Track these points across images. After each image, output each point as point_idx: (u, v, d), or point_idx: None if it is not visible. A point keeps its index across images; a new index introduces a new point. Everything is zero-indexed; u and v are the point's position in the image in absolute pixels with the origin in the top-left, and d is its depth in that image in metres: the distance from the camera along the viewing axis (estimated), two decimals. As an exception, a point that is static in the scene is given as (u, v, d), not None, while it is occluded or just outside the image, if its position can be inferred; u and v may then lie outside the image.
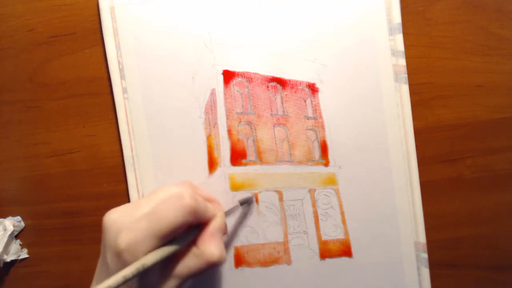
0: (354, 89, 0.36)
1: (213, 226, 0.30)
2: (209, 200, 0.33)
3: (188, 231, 0.29)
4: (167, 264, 0.28)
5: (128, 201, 0.37)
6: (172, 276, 0.28)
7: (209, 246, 0.29)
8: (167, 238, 0.27)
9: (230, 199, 0.35)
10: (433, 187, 0.36)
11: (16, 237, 0.38)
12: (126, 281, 0.25)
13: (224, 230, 0.31)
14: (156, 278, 0.28)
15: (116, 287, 0.24)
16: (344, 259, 0.36)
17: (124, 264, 0.26)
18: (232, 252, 0.36)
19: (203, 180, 0.36)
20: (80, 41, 0.37)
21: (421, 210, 0.36)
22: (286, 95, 0.36)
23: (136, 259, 0.26)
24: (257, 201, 0.36)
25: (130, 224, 0.27)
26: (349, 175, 0.36)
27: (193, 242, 0.29)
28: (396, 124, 0.36)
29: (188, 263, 0.28)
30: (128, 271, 0.25)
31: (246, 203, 0.35)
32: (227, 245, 0.36)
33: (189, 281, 0.30)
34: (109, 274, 0.27)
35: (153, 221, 0.27)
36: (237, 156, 0.36)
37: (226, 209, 0.33)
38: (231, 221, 0.36)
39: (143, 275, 0.27)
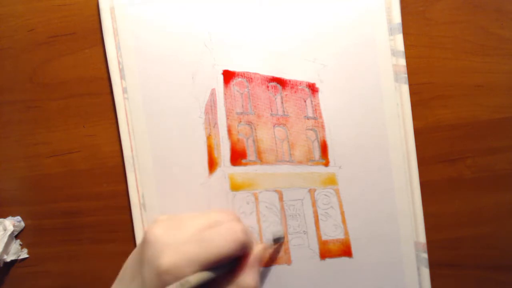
0: (354, 89, 0.36)
1: (254, 258, 0.30)
2: (251, 235, 0.33)
3: (230, 261, 0.29)
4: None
5: (128, 201, 0.37)
6: None
7: (248, 276, 0.29)
8: (211, 267, 0.27)
9: (230, 199, 0.35)
10: (433, 187, 0.36)
11: (16, 237, 0.38)
12: None
13: (262, 261, 0.31)
14: None
15: None
16: (344, 259, 0.36)
17: (163, 284, 0.26)
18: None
19: (203, 180, 0.36)
20: (80, 41, 0.37)
21: (421, 210, 0.36)
22: (286, 95, 0.36)
23: (176, 281, 0.26)
24: (257, 200, 0.36)
25: (177, 245, 0.27)
26: (349, 175, 0.36)
27: (231, 270, 0.30)
28: (396, 124, 0.36)
29: None
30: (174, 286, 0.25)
31: (277, 240, 0.35)
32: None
33: None
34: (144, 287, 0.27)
35: (203, 248, 0.27)
36: (237, 156, 0.36)
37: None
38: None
39: None
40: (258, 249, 0.31)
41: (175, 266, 0.26)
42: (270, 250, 0.36)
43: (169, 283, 0.26)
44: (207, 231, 0.28)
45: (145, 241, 0.28)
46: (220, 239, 0.27)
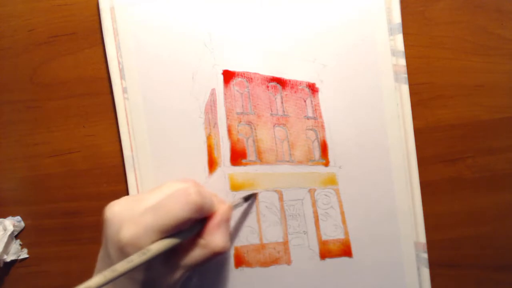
0: (354, 89, 0.36)
1: (218, 217, 0.30)
2: (214, 195, 0.33)
3: (193, 225, 0.29)
4: (170, 257, 0.29)
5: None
6: (178, 267, 0.29)
7: (215, 236, 0.29)
8: (171, 233, 0.27)
9: (230, 199, 0.35)
10: (433, 187, 0.36)
11: (16, 237, 0.38)
12: (133, 267, 0.25)
13: (229, 221, 0.31)
14: (161, 270, 0.28)
15: (125, 273, 0.24)
16: (344, 259, 0.36)
17: (127, 257, 0.26)
18: (232, 252, 0.36)
19: (203, 180, 0.36)
20: (80, 41, 0.37)
21: (421, 210, 0.36)
22: (286, 95, 0.36)
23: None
24: (257, 200, 0.36)
25: (134, 218, 0.27)
26: (349, 175, 0.36)
27: (198, 234, 0.30)
28: (396, 124, 0.35)
29: (193, 254, 0.29)
30: (125, 266, 0.25)
31: (250, 199, 0.35)
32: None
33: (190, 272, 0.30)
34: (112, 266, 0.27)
35: (158, 215, 0.27)
36: (237, 156, 0.36)
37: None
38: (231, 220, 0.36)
39: (147, 268, 0.27)
40: (222, 209, 0.31)
41: (135, 237, 0.26)
42: (241, 208, 0.35)
43: (131, 255, 0.26)
44: (163, 199, 0.28)
45: (105, 220, 0.28)
46: (173, 203, 0.27)
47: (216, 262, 0.36)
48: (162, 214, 0.27)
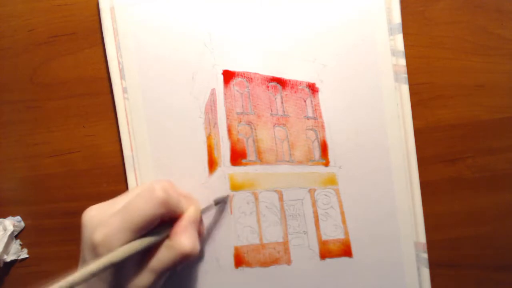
0: (354, 89, 0.36)
1: (185, 218, 0.30)
2: (184, 196, 0.33)
3: (163, 226, 0.29)
4: (141, 260, 0.29)
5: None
6: (146, 270, 0.28)
7: (181, 237, 0.29)
8: (141, 231, 0.27)
9: (230, 199, 0.35)
10: (433, 187, 0.36)
11: (16, 237, 0.38)
12: (93, 276, 0.25)
13: (197, 223, 0.31)
14: (132, 272, 0.28)
15: (80, 282, 0.25)
16: (344, 259, 0.36)
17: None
18: (232, 252, 0.36)
19: (203, 180, 0.36)
20: (80, 41, 0.37)
21: (421, 210, 0.36)
22: (286, 95, 0.36)
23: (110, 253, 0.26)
24: (257, 200, 0.36)
25: (105, 220, 0.27)
26: (349, 175, 0.36)
27: (168, 237, 0.30)
28: (396, 124, 0.35)
29: (161, 256, 0.29)
30: (94, 267, 0.25)
31: (221, 203, 0.35)
32: (225, 244, 0.36)
33: (166, 277, 0.30)
34: None
35: (125, 215, 0.27)
36: (237, 156, 0.36)
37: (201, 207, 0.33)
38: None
39: (118, 270, 0.28)
40: (191, 210, 0.30)
41: (106, 238, 0.26)
42: (212, 212, 0.35)
43: (104, 256, 0.26)
44: (131, 199, 0.28)
45: (82, 224, 0.29)
46: (139, 201, 0.28)
47: (215, 262, 0.36)
48: (130, 213, 0.27)
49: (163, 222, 0.29)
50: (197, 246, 0.29)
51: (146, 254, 0.29)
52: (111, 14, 0.36)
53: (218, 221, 0.36)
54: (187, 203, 0.31)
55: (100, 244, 0.27)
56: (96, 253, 0.27)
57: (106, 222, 0.27)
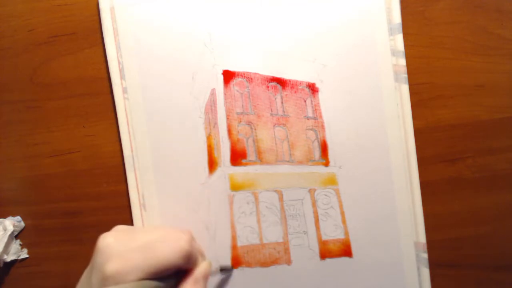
0: (354, 89, 0.36)
1: (199, 272, 0.30)
2: (199, 251, 0.33)
3: (173, 274, 0.29)
4: None
5: (128, 201, 0.37)
6: None
7: None
8: (155, 276, 0.27)
9: (230, 199, 0.35)
10: (433, 187, 0.36)
11: (16, 237, 0.38)
12: None
13: (207, 279, 0.31)
14: None
15: None
16: (344, 259, 0.36)
17: None
18: (231, 252, 0.36)
19: (203, 180, 0.36)
20: (80, 41, 0.37)
21: (421, 210, 0.36)
22: (286, 95, 0.36)
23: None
24: (256, 200, 0.36)
25: (123, 252, 0.27)
26: (349, 175, 0.36)
27: (176, 285, 0.29)
28: (396, 124, 0.35)
29: None
30: None
31: (225, 271, 0.35)
32: (223, 245, 0.36)
33: None
34: None
35: (147, 256, 0.27)
36: (237, 156, 0.36)
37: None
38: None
39: None
40: (203, 265, 0.31)
41: (119, 272, 0.26)
42: (217, 276, 0.35)
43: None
44: (154, 240, 0.28)
45: (96, 248, 0.28)
46: (164, 247, 0.28)
47: (215, 262, 0.36)
48: (152, 256, 0.27)
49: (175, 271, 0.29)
50: None
51: None
52: (111, 14, 0.36)
53: (218, 223, 0.36)
54: (200, 257, 0.32)
55: (112, 276, 0.26)
56: (104, 284, 0.26)
57: (124, 256, 0.27)
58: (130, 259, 0.27)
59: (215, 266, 0.34)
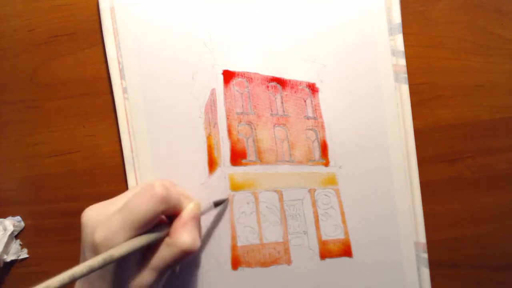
0: (354, 89, 0.36)
1: (185, 215, 0.30)
2: (184, 195, 0.33)
3: (163, 224, 0.29)
4: (143, 258, 0.29)
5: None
6: (147, 268, 0.28)
7: (181, 234, 0.29)
8: (141, 229, 0.27)
9: (230, 199, 0.35)
10: (433, 187, 0.36)
11: (16, 237, 0.38)
12: (92, 271, 0.25)
13: (197, 219, 0.31)
14: (133, 271, 0.28)
15: (81, 276, 0.25)
16: (344, 259, 0.36)
17: None
18: (231, 252, 0.36)
19: (203, 180, 0.36)
20: (80, 41, 0.37)
21: (421, 210, 0.36)
22: (286, 95, 0.36)
23: None
24: (256, 200, 0.36)
25: (105, 219, 0.28)
26: (349, 175, 0.36)
27: (168, 234, 0.30)
28: (396, 124, 0.36)
29: (161, 254, 0.29)
30: (95, 261, 0.25)
31: (221, 205, 0.35)
32: (224, 244, 0.36)
33: (168, 274, 0.30)
34: None
35: (126, 213, 0.27)
36: (237, 156, 0.36)
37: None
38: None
39: (119, 268, 0.28)
40: (190, 207, 0.31)
41: (106, 238, 0.27)
42: (213, 212, 0.35)
43: None
44: (130, 198, 0.28)
45: (81, 224, 0.29)
46: (138, 200, 0.28)
47: (215, 262, 0.36)
48: (130, 212, 0.27)
49: (163, 221, 0.29)
50: (197, 242, 0.29)
51: (147, 252, 0.29)
52: (111, 14, 0.36)
53: (218, 223, 0.36)
54: (186, 200, 0.31)
55: (101, 244, 0.27)
56: (96, 253, 0.27)
57: (106, 222, 0.27)
58: (113, 223, 0.27)
59: (207, 204, 0.34)
